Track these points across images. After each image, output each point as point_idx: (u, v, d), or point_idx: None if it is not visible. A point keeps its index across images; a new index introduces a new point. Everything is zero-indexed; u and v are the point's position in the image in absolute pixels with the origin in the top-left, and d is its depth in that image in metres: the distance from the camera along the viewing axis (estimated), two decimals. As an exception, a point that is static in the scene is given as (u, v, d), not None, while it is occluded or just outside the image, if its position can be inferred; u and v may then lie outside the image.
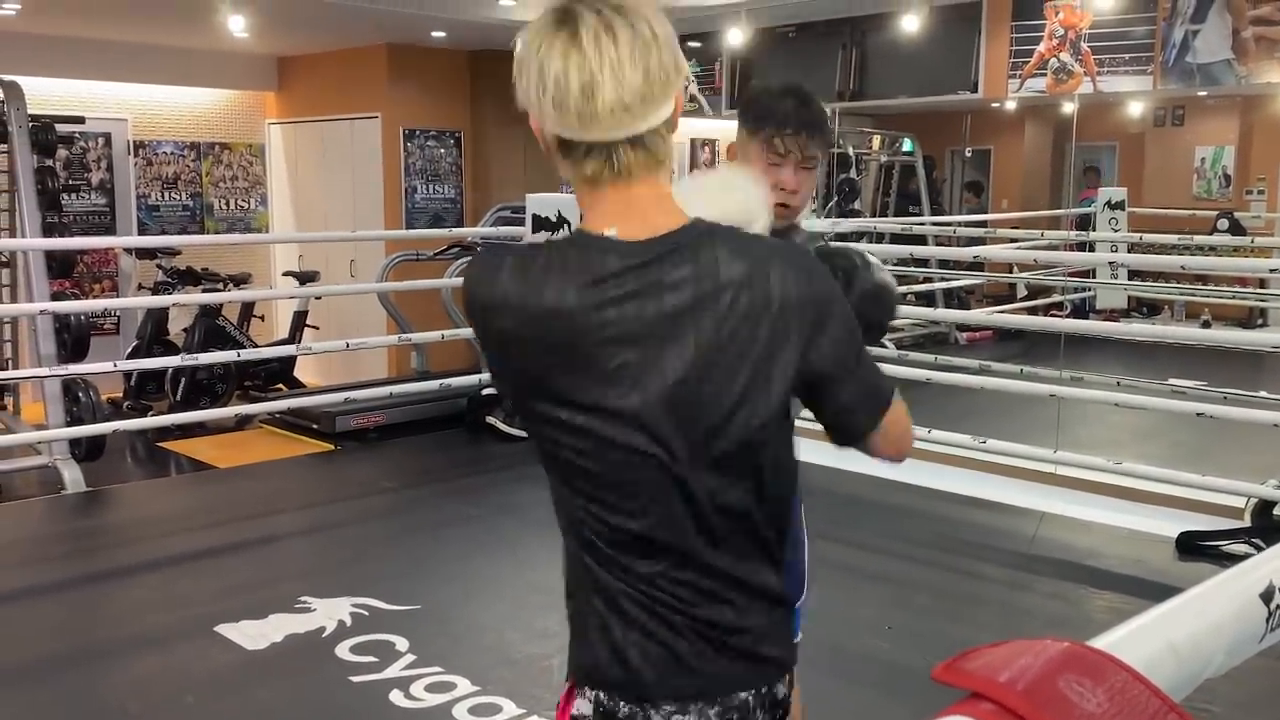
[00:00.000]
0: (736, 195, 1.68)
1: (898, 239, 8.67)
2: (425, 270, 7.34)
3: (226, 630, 3.55)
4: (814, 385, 1.28)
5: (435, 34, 7.69)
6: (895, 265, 8.56)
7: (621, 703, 1.29)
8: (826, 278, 1.30)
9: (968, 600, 4.07)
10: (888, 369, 5.90)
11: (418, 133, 8.46)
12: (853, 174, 9.36)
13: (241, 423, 6.73)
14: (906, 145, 10.01)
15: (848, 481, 5.48)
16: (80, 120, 6.82)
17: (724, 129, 11.47)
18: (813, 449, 5.57)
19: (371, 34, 7.79)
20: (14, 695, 3.16)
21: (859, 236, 8.49)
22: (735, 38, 6.99)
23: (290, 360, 7.49)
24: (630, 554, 1.27)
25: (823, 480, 5.56)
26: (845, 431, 1.34)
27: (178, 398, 6.81)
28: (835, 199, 9.09)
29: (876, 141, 10.32)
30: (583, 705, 1.32)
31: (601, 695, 1.30)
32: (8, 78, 5.98)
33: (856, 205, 9.42)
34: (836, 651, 3.57)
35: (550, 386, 1.22)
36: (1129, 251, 7.69)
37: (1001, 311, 8.43)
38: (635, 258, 1.20)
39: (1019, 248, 8.14)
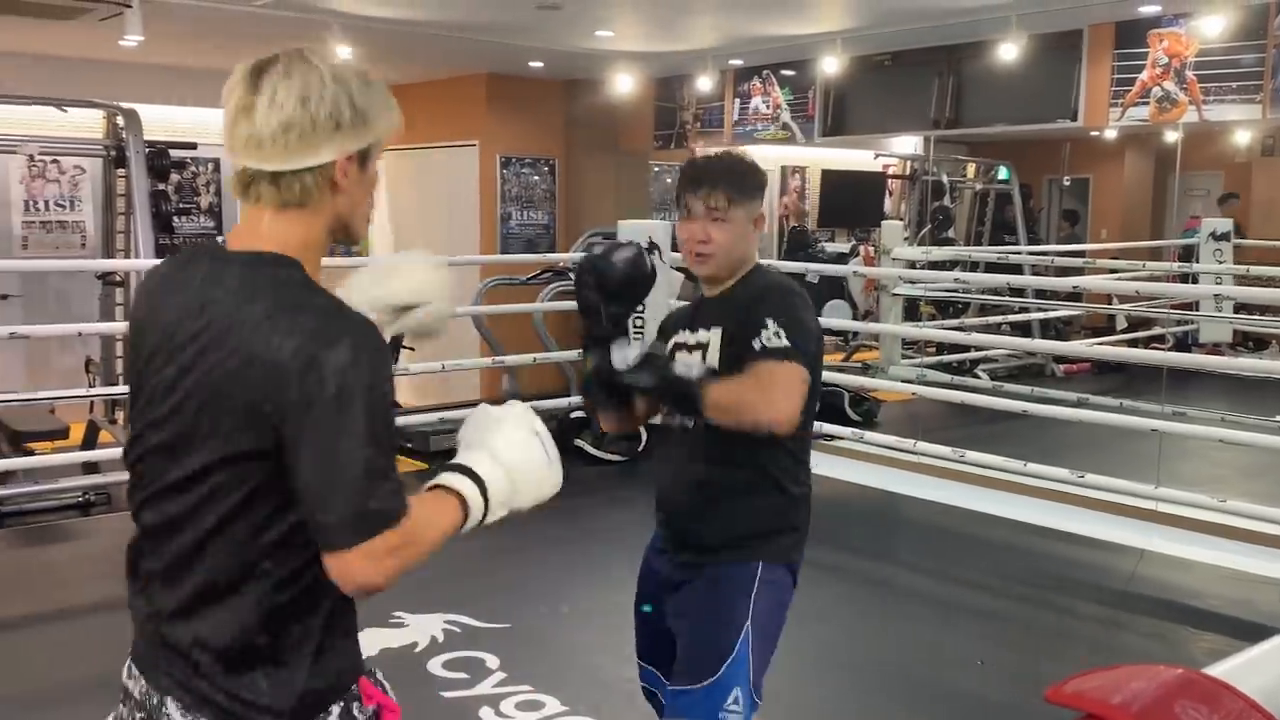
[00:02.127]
0: (405, 277, 1.67)
1: (993, 268, 8.54)
2: (518, 294, 7.45)
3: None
4: None
5: (533, 64, 7.84)
6: (990, 294, 8.45)
7: None
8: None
9: (1062, 637, 3.97)
10: (983, 400, 5.81)
11: (513, 160, 8.62)
12: (946, 202, 9.26)
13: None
14: (1002, 173, 9.88)
15: (941, 515, 5.41)
16: (192, 146, 7.08)
17: (815, 156, 11.45)
18: (910, 481, 5.52)
19: (472, 64, 7.98)
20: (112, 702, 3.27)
21: (952, 265, 8.39)
22: (830, 66, 6.99)
23: (386, 381, 7.65)
24: None
25: (917, 513, 5.51)
26: None
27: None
28: (929, 227, 9.00)
29: (971, 169, 10.21)
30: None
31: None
32: (127, 105, 6.26)
33: (950, 234, 9.32)
34: (926, 685, 3.52)
35: None
36: (1235, 284, 7.47)
37: (1101, 344, 8.23)
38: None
39: (1121, 278, 7.96)
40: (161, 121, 7.43)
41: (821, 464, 6.66)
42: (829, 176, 11.50)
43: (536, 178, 8.77)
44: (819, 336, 2.24)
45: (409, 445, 6.53)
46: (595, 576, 4.49)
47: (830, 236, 11.24)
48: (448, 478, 1.45)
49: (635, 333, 2.29)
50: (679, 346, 2.29)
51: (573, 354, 6.82)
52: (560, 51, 7.34)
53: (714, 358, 2.20)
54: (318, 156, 1.35)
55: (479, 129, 8.50)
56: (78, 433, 6.13)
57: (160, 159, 6.22)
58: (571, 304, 7.11)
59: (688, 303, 2.44)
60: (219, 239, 1.48)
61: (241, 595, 1.33)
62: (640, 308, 2.46)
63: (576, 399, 6.61)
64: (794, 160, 11.53)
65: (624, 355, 2.11)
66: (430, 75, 8.62)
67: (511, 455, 1.52)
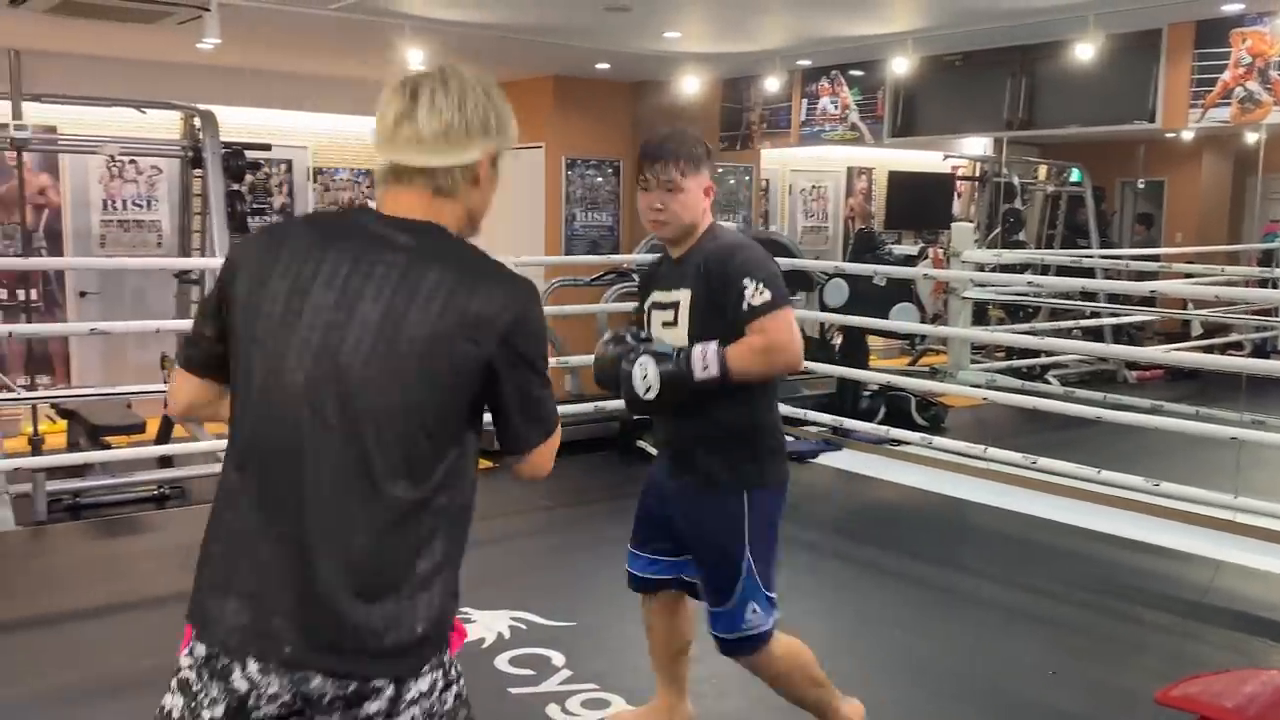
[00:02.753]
0: None
1: (1064, 271, 8.38)
2: (582, 295, 7.48)
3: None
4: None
5: (599, 66, 7.87)
6: (1062, 298, 8.30)
7: None
8: None
9: (1135, 648, 3.88)
10: (1054, 406, 5.70)
11: (579, 162, 8.66)
12: (1018, 204, 9.11)
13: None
14: (1074, 175, 9.69)
15: (1011, 522, 5.32)
16: (267, 148, 7.21)
17: (882, 158, 11.34)
18: (979, 487, 5.42)
19: (539, 66, 8.02)
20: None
21: (1023, 268, 8.25)
22: (900, 66, 6.92)
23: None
24: None
25: (986, 520, 5.42)
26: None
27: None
28: (999, 229, 8.87)
29: (1043, 171, 10.03)
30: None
31: None
32: (204, 107, 6.39)
33: (1021, 236, 9.17)
34: (998, 693, 3.46)
35: None
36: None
37: (1176, 349, 8.04)
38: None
39: (1197, 283, 7.77)
40: (236, 123, 7.58)
41: (888, 469, 6.64)
42: (896, 178, 11.38)
43: (600, 179, 8.79)
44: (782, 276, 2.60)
45: (474, 444, 6.58)
46: (659, 577, 4.48)
47: (897, 239, 11.11)
48: None
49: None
50: (656, 305, 2.66)
51: (637, 355, 6.82)
52: (627, 53, 7.35)
53: (684, 315, 2.56)
54: (466, 155, 1.58)
55: (545, 131, 8.55)
56: (153, 428, 6.27)
57: (235, 159, 6.34)
58: (637, 305, 7.15)
59: (658, 257, 2.79)
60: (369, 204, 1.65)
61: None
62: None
63: (640, 400, 6.62)
64: (860, 161, 11.42)
65: (639, 383, 2.52)
66: (499, 77, 8.60)
67: None
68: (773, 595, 2.67)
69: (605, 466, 6.33)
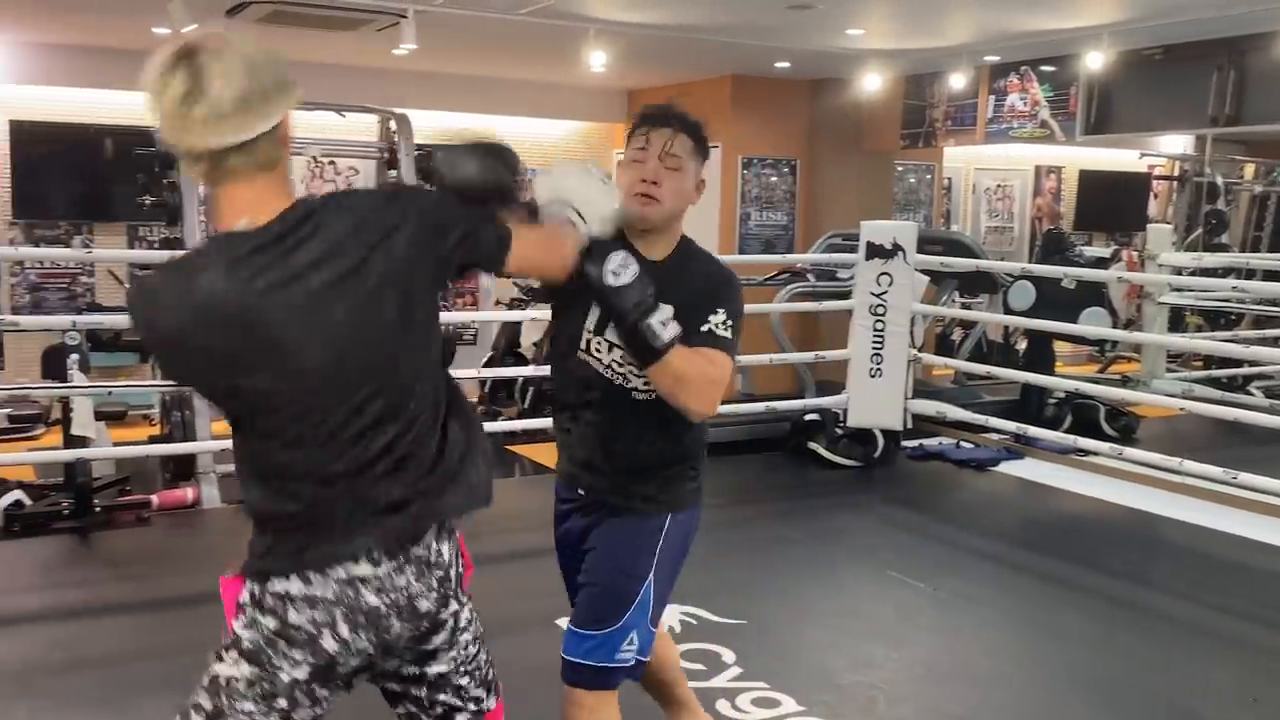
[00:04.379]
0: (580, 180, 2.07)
1: (1271, 276, 7.86)
2: (755, 295, 7.44)
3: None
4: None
5: (779, 64, 7.83)
6: (1268, 305, 7.77)
7: None
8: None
9: (1351, 681, 3.62)
10: (1259, 419, 5.35)
11: (755, 161, 8.64)
12: (1221, 205, 8.60)
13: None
14: (1286, 175, 9.08)
15: (1208, 540, 5.04)
16: (455, 149, 7.47)
17: (1072, 156, 10.89)
18: (1173, 502, 5.17)
19: (718, 66, 8.05)
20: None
21: (1226, 272, 7.78)
22: (1095, 61, 6.63)
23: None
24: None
25: (1180, 536, 5.14)
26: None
27: (525, 405, 7.30)
28: (1200, 231, 8.39)
29: (1249, 170, 9.44)
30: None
31: None
32: (399, 110, 6.68)
33: (1224, 239, 8.65)
34: (1194, 719, 3.29)
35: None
36: None
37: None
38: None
39: None
40: (428, 125, 7.89)
41: (1073, 480, 6.39)
42: (1088, 177, 10.92)
43: (776, 178, 8.76)
44: None
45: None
46: (826, 578, 4.45)
47: (1087, 240, 10.66)
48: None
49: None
50: None
51: (809, 356, 6.77)
52: (808, 51, 7.30)
53: None
54: (270, 120, 1.50)
55: (722, 130, 8.56)
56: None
57: (428, 161, 6.60)
58: (810, 305, 7.11)
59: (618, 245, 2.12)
60: (216, 232, 1.56)
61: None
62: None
63: (811, 401, 6.56)
64: (1049, 160, 11.01)
65: (618, 267, 2.03)
66: (675, 79, 8.76)
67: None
68: (653, 630, 2.30)
69: (774, 467, 6.30)
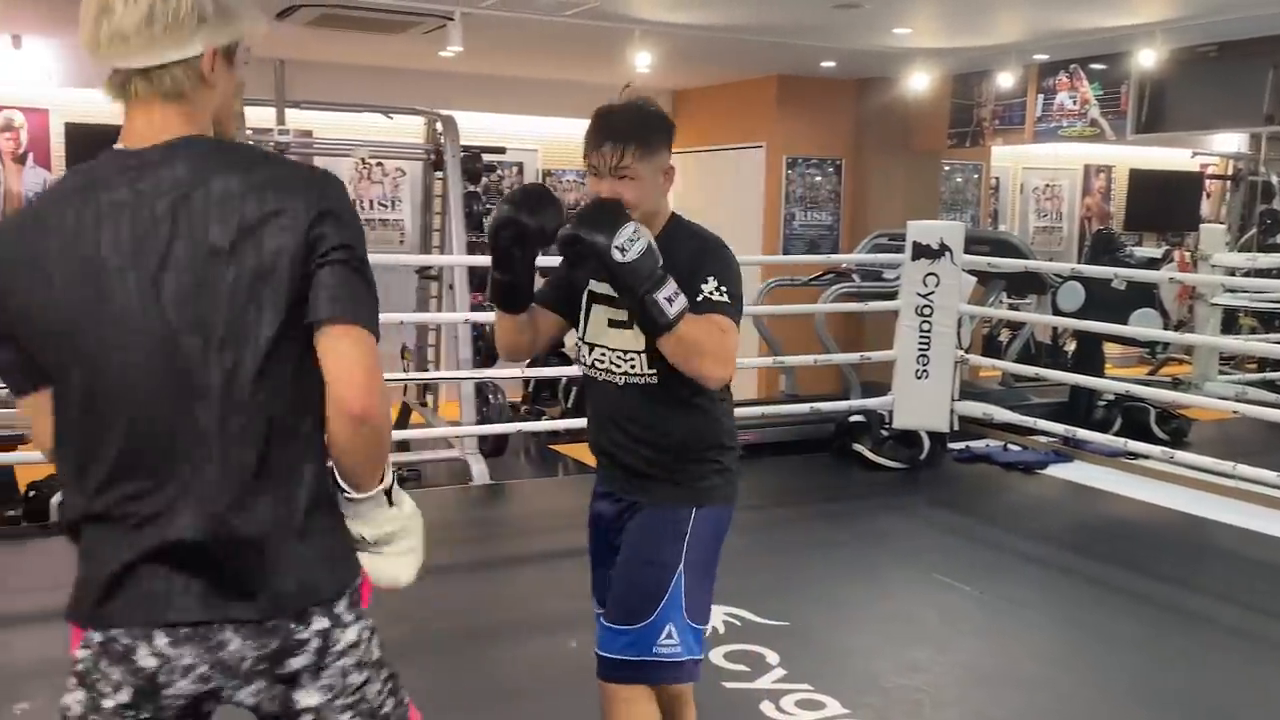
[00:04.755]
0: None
1: (1329, 278, 7.69)
2: (799, 295, 7.44)
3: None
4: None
5: (825, 64, 7.80)
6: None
7: None
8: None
9: None
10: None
11: (799, 160, 8.61)
12: (1276, 204, 8.44)
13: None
14: (1345, 174, 8.89)
15: (1265, 546, 4.96)
16: (501, 151, 7.53)
17: (1123, 155, 10.74)
18: (1225, 507, 5.10)
19: (763, 66, 8.03)
20: (426, 662, 3.53)
21: (1281, 274, 7.63)
22: (1147, 59, 6.53)
23: (668, 377, 7.84)
24: None
25: (1233, 542, 5.06)
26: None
27: (568, 404, 7.33)
28: (1255, 231, 8.24)
29: (1307, 169, 9.25)
30: None
31: None
32: (445, 112, 6.74)
33: (1279, 239, 8.48)
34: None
35: None
36: None
37: None
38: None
39: None
40: (474, 127, 7.95)
41: (1123, 484, 6.30)
42: (1138, 176, 10.77)
43: (820, 178, 8.72)
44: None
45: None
46: (870, 581, 4.42)
47: (1138, 240, 10.50)
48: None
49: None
50: (599, 299, 2.27)
51: (854, 356, 6.73)
52: (854, 51, 7.26)
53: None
54: (183, 50, 1.37)
55: (767, 130, 8.55)
56: (393, 413, 6.67)
57: (473, 162, 6.65)
58: (856, 306, 7.07)
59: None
60: (114, 148, 1.43)
61: None
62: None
63: (857, 402, 6.53)
64: (1098, 159, 10.87)
65: (626, 241, 2.05)
66: (721, 79, 8.75)
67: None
68: (698, 627, 2.27)
69: (818, 469, 6.28)
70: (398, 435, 6.23)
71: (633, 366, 2.24)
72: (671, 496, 2.27)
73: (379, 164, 8.32)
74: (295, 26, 6.26)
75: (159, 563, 1.38)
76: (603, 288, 2.23)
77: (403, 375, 6.73)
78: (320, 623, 1.44)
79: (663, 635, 2.20)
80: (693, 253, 2.22)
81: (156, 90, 1.38)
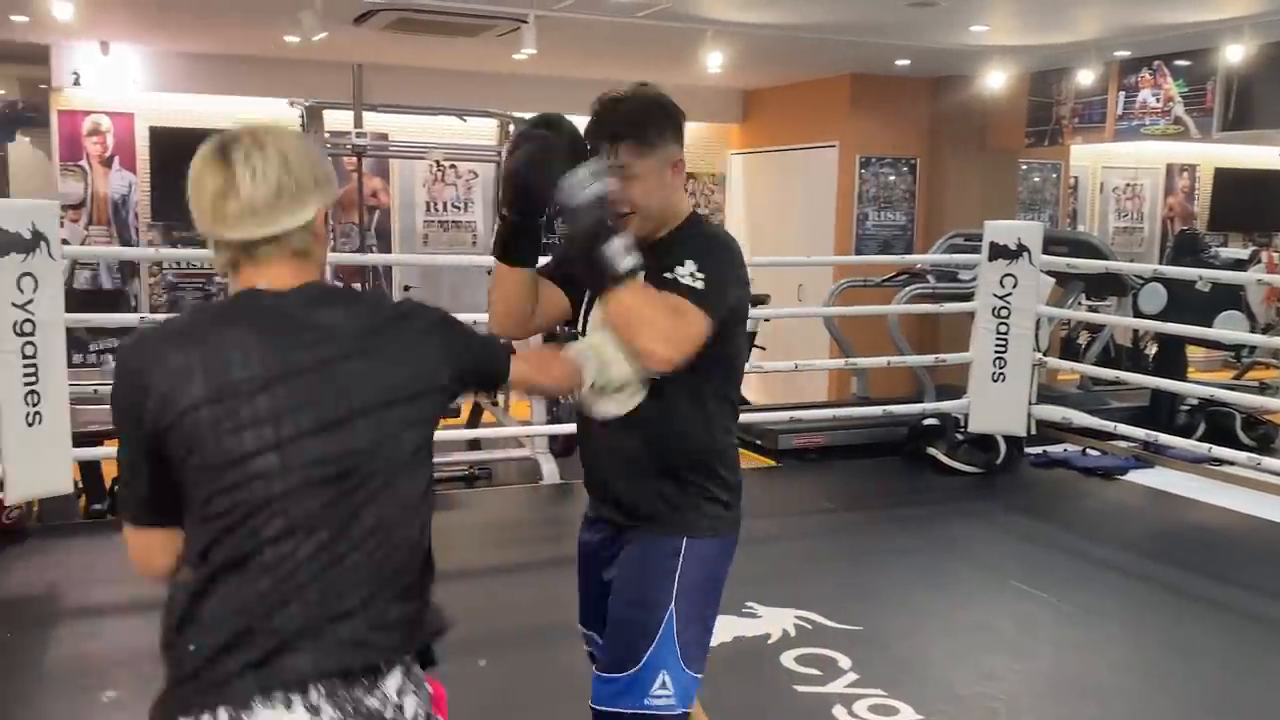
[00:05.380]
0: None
1: None
2: (871, 296, 7.37)
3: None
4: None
5: (899, 62, 7.71)
6: None
7: None
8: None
9: None
10: None
11: (873, 160, 8.52)
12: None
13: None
14: None
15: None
16: (572, 151, 7.54)
17: (1209, 153, 10.46)
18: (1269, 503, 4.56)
19: (836, 65, 7.96)
20: (499, 658, 3.56)
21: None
22: (1234, 54, 6.35)
23: (738, 378, 7.80)
24: None
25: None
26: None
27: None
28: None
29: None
30: None
31: None
32: (518, 114, 6.80)
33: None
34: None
35: None
36: None
37: None
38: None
39: None
40: (545, 128, 8.00)
41: (1206, 490, 6.14)
42: (1224, 175, 10.48)
43: (894, 177, 8.62)
44: (739, 305, 2.03)
45: (758, 443, 6.64)
46: (945, 588, 4.35)
47: (1223, 241, 10.22)
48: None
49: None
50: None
51: (928, 358, 6.64)
52: (930, 49, 7.16)
53: None
54: (303, 215, 1.49)
55: (839, 130, 8.47)
56: (465, 411, 6.74)
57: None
58: (930, 307, 6.97)
59: None
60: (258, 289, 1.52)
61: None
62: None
63: (930, 405, 6.44)
64: (1182, 158, 10.60)
65: (581, 184, 1.86)
66: (792, 78, 8.70)
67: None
68: (693, 675, 2.05)
69: (890, 472, 6.20)
70: (469, 434, 6.31)
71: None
72: (661, 525, 2.07)
73: (452, 166, 8.42)
74: (372, 31, 6.35)
75: None
76: None
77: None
78: None
79: (655, 685, 2.01)
80: (684, 241, 2.02)
81: (283, 253, 1.50)
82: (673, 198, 2.05)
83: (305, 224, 1.50)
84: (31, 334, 4.28)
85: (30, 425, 4.31)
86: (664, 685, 2.01)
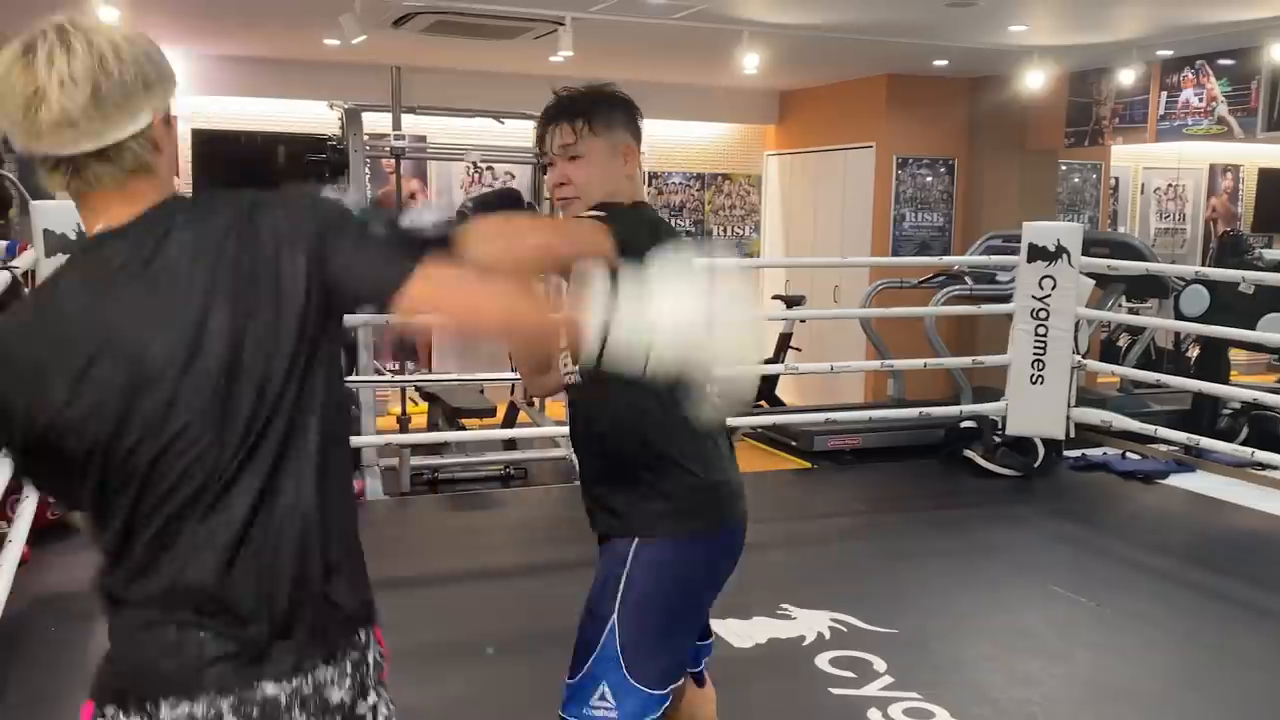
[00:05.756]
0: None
1: None
2: (908, 297, 7.33)
3: (715, 625, 3.75)
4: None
5: (937, 62, 7.67)
6: None
7: None
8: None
9: None
10: None
11: (910, 161, 8.48)
12: None
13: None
14: None
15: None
16: (609, 153, 7.56)
17: (1254, 154, 10.31)
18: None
19: (873, 65, 7.93)
20: (535, 657, 3.57)
21: None
22: (1279, 54, 6.26)
23: (774, 378, 7.80)
24: None
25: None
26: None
27: (673, 407, 7.33)
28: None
29: None
30: None
31: None
32: (555, 116, 6.82)
33: None
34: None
35: None
36: None
37: None
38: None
39: None
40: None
41: (1249, 495, 6.06)
42: (1269, 176, 10.33)
43: (932, 178, 8.57)
44: (632, 240, 1.78)
45: (793, 444, 6.62)
46: (983, 591, 4.33)
47: (1267, 242, 10.07)
48: None
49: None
50: None
51: (966, 360, 6.60)
52: (968, 49, 7.12)
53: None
54: (135, 121, 1.28)
55: (876, 130, 8.44)
56: (502, 411, 6.78)
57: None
58: (968, 309, 6.93)
59: None
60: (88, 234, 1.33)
61: None
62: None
63: (968, 407, 6.40)
64: (1225, 158, 10.46)
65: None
66: (829, 79, 8.67)
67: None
68: (647, 691, 1.94)
69: (926, 474, 6.17)
70: (505, 434, 6.35)
71: (566, 364, 2.02)
72: (613, 527, 2.00)
73: (489, 167, 8.45)
74: (410, 34, 6.41)
75: None
76: None
77: (510, 375, 6.83)
78: (371, 697, 1.50)
79: (595, 696, 1.94)
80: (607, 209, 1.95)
81: (118, 170, 1.29)
82: (621, 184, 2.02)
83: (138, 133, 1.28)
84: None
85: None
86: (604, 697, 1.94)
